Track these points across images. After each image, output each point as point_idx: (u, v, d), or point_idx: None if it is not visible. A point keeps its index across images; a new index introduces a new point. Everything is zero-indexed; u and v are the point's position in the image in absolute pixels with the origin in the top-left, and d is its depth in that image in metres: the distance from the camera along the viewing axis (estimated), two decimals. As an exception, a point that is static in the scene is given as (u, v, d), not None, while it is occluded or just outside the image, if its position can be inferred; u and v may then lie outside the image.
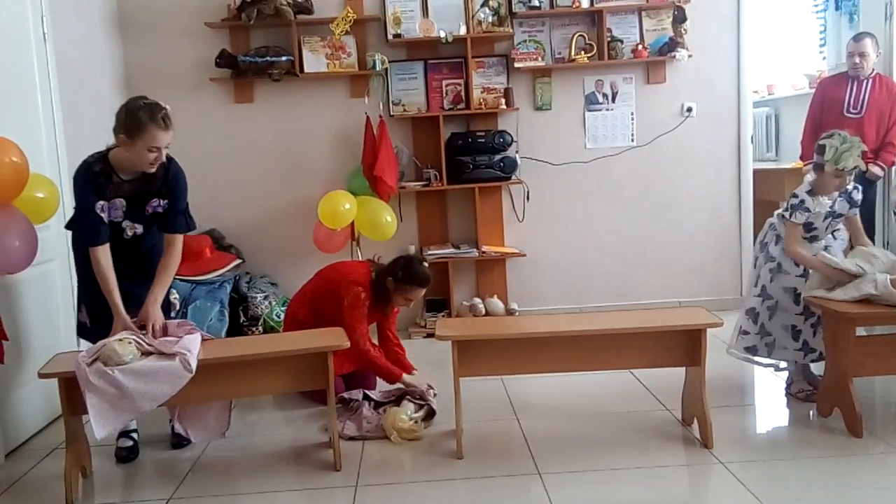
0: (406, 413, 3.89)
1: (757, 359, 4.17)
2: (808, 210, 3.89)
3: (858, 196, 3.99)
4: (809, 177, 4.07)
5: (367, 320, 4.22)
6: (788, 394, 4.18)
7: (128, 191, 3.53)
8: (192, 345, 3.39)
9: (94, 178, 3.46)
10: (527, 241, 5.97)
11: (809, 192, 3.93)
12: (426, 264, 4.32)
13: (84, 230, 3.52)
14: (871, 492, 3.12)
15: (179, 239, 3.71)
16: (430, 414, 4.01)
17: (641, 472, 3.36)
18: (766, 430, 3.94)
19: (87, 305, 3.67)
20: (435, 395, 4.16)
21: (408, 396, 4.10)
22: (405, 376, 4.20)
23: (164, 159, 3.49)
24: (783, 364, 4.20)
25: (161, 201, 3.60)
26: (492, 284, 5.97)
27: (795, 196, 3.95)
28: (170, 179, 3.61)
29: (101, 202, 3.47)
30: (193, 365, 3.29)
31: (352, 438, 3.86)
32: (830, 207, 3.92)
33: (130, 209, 3.55)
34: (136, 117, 3.35)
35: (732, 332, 4.26)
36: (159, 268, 3.64)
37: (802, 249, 3.90)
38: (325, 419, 3.92)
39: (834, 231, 4.08)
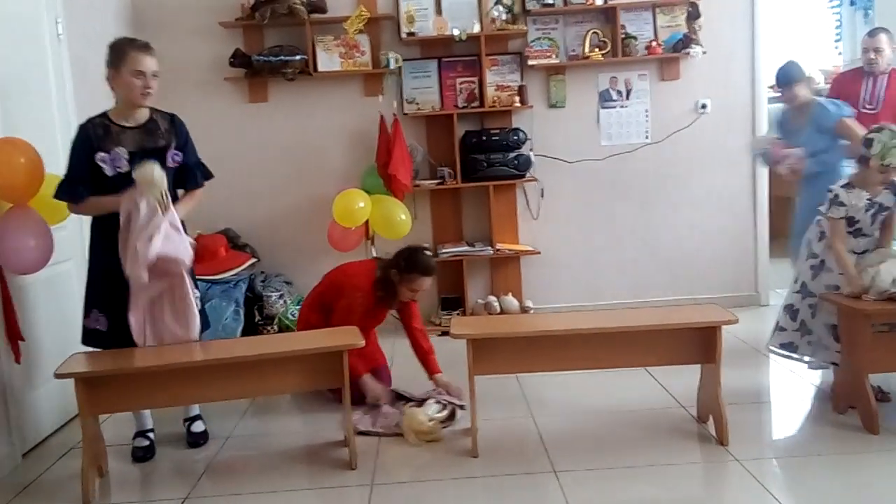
0: (425, 413, 3.87)
1: (796, 356, 4.09)
2: (842, 204, 3.79)
3: None
4: (849, 170, 3.95)
5: (363, 322, 4.14)
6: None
7: (130, 139, 3.56)
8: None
9: (92, 129, 3.54)
10: (541, 239, 5.96)
11: (846, 186, 3.84)
12: (429, 253, 4.30)
13: (66, 186, 3.55)
14: (888, 489, 3.10)
15: (200, 190, 3.82)
16: (452, 414, 4.00)
17: (657, 470, 3.35)
18: (782, 428, 3.92)
19: (102, 308, 3.65)
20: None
21: (433, 397, 4.08)
22: (438, 376, 4.21)
23: (152, 88, 3.54)
24: (817, 363, 4.08)
25: (177, 152, 3.65)
26: (506, 282, 5.96)
27: (830, 191, 3.86)
28: (176, 127, 3.71)
29: (102, 154, 3.51)
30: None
31: (362, 433, 3.87)
32: (869, 199, 3.80)
33: (137, 160, 3.52)
34: (117, 46, 3.55)
35: (772, 329, 4.20)
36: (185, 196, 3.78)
37: (840, 246, 3.81)
38: (340, 418, 3.92)
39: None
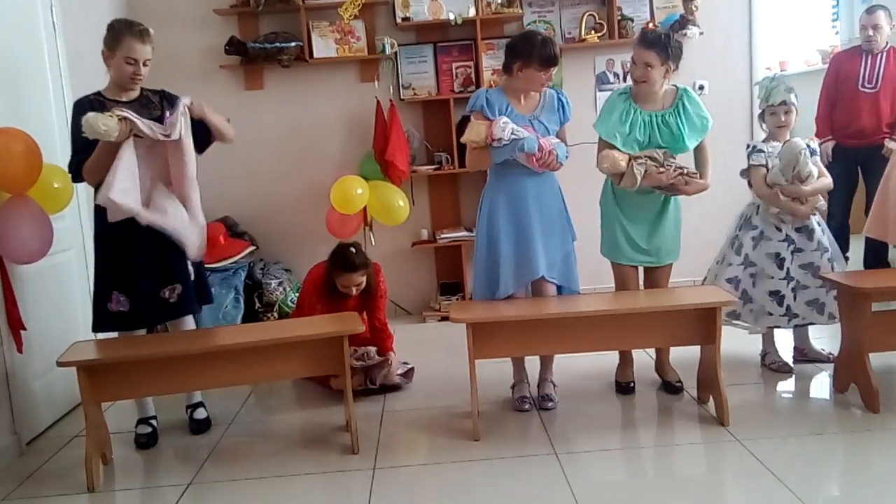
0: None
1: (737, 322, 4.18)
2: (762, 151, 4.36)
3: None
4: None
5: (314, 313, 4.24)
6: (763, 365, 4.28)
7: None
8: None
9: (87, 104, 3.52)
10: (540, 223, 5.94)
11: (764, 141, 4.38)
12: (354, 250, 4.33)
13: (74, 161, 3.55)
14: (889, 467, 3.12)
15: None
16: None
17: (658, 451, 3.37)
18: (783, 407, 3.93)
19: (122, 289, 3.63)
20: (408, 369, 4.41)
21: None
22: (389, 353, 4.38)
23: (142, 75, 3.56)
24: (759, 328, 4.21)
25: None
26: (505, 267, 5.95)
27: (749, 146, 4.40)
28: (167, 97, 3.73)
29: None
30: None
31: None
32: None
33: None
34: (115, 28, 3.55)
35: None
36: None
37: (767, 189, 4.17)
38: (342, 402, 3.93)
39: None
